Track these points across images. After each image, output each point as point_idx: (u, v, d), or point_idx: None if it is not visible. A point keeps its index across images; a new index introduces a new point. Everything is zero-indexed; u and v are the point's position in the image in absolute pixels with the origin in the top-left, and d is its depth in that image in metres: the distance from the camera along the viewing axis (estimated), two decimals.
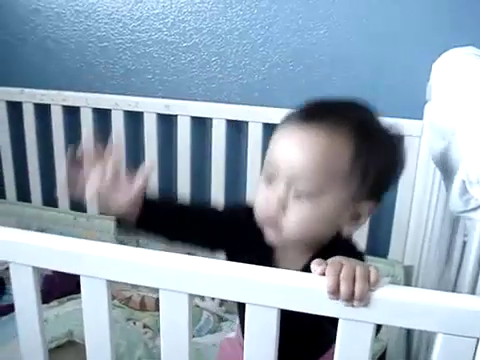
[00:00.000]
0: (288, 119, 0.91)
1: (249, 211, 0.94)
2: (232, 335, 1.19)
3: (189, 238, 1.04)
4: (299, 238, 0.89)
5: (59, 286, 1.66)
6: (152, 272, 0.77)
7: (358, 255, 0.86)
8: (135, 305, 1.67)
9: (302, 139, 0.86)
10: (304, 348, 0.98)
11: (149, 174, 0.97)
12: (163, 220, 1.00)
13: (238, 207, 1.04)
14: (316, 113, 0.89)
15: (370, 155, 0.87)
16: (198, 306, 1.66)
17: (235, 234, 0.99)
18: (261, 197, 0.90)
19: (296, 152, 0.86)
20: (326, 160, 0.85)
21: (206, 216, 1.04)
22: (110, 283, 0.81)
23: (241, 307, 1.03)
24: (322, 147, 0.85)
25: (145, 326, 1.55)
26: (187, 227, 1.01)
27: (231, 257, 0.98)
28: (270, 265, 0.94)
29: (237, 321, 1.16)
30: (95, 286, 0.81)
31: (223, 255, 1.04)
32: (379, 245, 1.76)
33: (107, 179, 0.93)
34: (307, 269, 0.75)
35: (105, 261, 0.79)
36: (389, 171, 0.93)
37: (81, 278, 0.81)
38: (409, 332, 1.42)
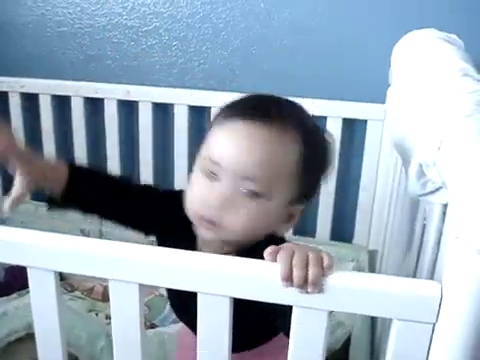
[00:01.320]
0: (228, 114, 0.87)
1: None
2: None
3: (120, 210, 0.97)
4: (239, 238, 0.86)
5: (20, 278, 1.63)
6: (101, 262, 0.74)
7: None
8: (98, 296, 1.65)
9: (251, 136, 0.82)
10: (245, 333, 0.92)
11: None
12: (93, 194, 0.94)
13: (176, 192, 0.97)
14: (263, 110, 0.85)
15: (310, 160, 0.86)
16: (162, 295, 1.63)
17: (169, 218, 0.95)
18: (200, 193, 0.86)
19: (246, 149, 0.82)
20: (276, 160, 0.83)
21: (141, 193, 0.99)
22: (58, 274, 0.78)
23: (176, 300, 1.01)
24: (273, 146, 0.82)
25: (108, 317, 1.53)
26: (119, 200, 0.96)
27: (161, 242, 0.96)
28: None
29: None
30: (43, 278, 0.78)
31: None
32: (344, 230, 1.77)
33: None
34: None
35: (52, 252, 0.75)
36: (321, 176, 0.93)
37: (28, 270, 0.78)
38: (373, 317, 1.42)
